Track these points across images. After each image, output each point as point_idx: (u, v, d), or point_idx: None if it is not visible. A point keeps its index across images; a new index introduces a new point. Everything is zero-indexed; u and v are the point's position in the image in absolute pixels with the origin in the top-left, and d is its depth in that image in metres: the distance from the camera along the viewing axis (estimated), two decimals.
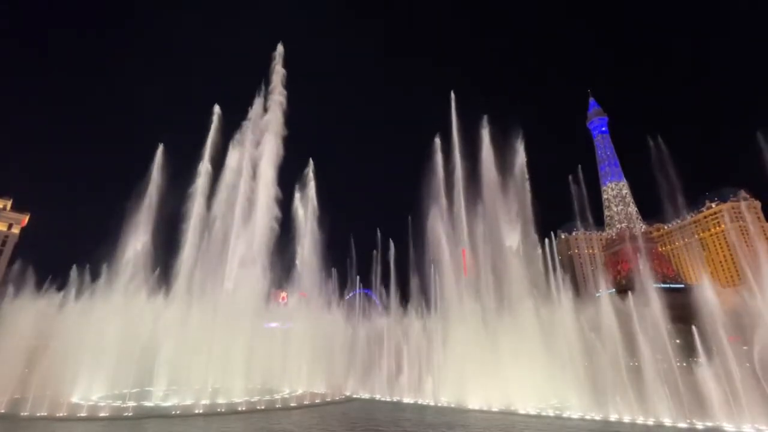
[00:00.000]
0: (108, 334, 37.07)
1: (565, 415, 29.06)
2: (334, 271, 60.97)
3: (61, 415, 27.65)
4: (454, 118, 51.59)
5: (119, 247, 44.06)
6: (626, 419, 27.23)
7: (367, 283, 65.48)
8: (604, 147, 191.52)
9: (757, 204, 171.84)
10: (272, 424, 26.22)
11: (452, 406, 35.14)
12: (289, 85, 60.49)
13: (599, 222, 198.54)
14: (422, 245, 49.42)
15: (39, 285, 40.01)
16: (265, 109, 57.25)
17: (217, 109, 53.24)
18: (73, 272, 41.18)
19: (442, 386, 38.57)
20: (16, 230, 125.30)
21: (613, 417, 27.87)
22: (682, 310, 33.10)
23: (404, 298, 53.47)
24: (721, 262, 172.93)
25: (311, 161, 61.62)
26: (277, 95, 58.50)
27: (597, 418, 28.07)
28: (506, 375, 34.55)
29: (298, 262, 57.96)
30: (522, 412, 30.97)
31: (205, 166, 49.96)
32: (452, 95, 51.65)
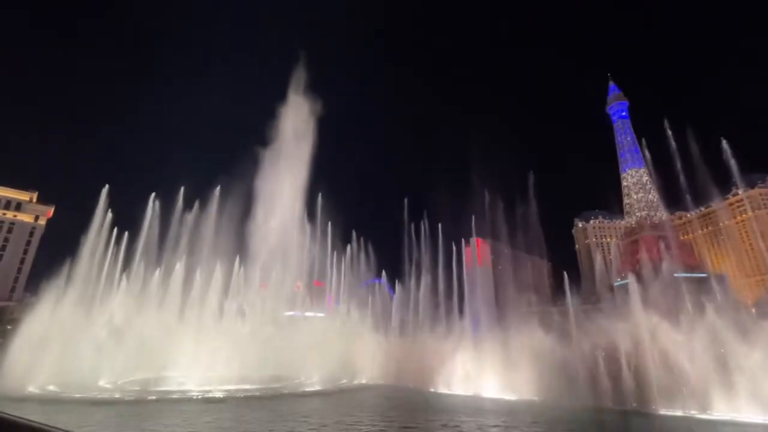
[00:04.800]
0: (132, 323, 38.48)
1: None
2: (347, 258, 61.74)
3: (93, 397, 28.78)
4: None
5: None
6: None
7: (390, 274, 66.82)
8: (624, 133, 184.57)
9: None
10: (292, 409, 26.84)
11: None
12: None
13: (619, 210, 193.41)
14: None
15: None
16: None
17: None
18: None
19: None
20: (42, 222, 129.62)
21: None
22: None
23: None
24: (746, 251, 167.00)
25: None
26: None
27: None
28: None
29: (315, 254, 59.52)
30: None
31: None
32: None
